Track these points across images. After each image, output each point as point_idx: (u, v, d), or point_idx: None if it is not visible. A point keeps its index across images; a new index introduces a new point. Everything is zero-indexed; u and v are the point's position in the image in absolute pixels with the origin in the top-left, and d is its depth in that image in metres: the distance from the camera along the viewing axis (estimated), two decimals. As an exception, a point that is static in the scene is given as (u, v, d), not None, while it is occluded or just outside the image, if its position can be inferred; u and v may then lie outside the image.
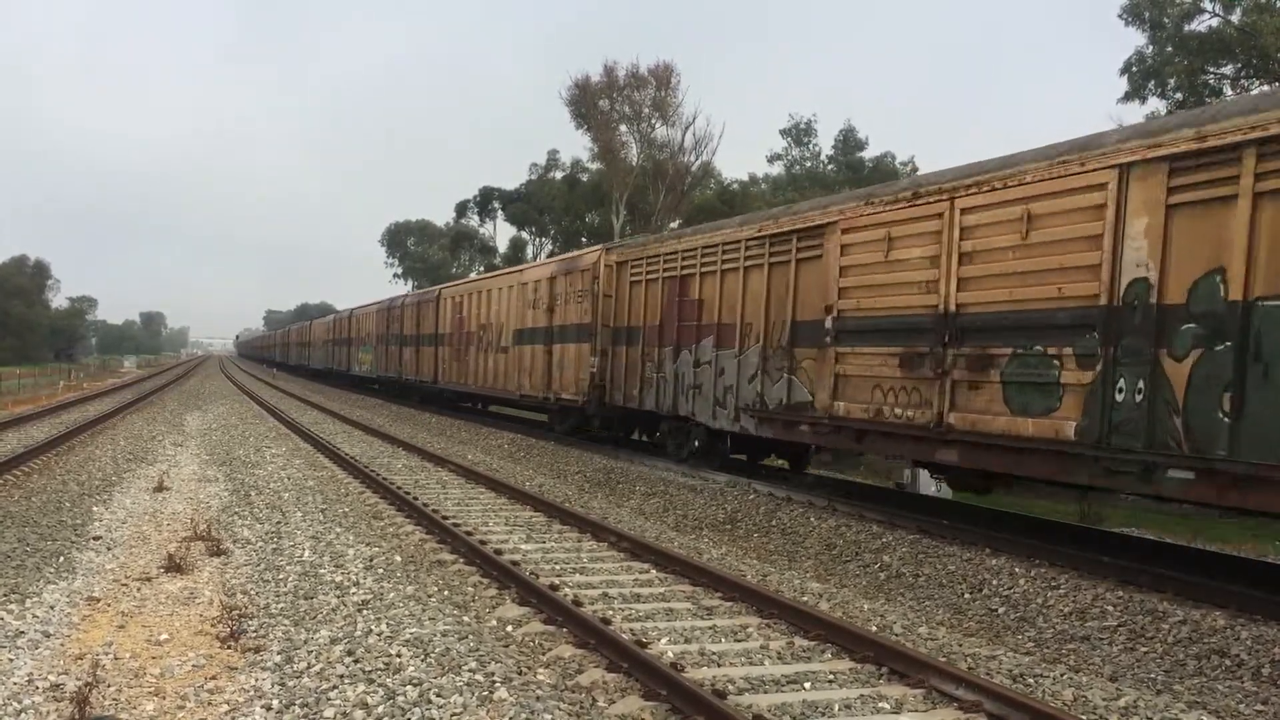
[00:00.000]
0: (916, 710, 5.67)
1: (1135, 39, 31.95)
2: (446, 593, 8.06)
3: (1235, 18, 26.07)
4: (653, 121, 48.23)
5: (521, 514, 12.05)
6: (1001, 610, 8.49)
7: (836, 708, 5.60)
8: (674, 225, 42.62)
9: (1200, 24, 26.60)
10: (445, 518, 11.08)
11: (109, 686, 5.69)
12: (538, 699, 5.47)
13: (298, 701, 5.44)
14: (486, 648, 6.39)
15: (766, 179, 53.61)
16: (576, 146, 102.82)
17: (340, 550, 9.41)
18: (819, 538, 11.19)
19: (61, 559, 8.89)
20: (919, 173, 12.45)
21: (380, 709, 5.31)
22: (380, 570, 8.61)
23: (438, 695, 5.49)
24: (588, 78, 48.44)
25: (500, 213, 65.70)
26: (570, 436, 20.58)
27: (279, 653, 6.30)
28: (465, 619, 7.20)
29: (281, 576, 8.41)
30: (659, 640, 6.75)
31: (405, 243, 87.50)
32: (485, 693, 5.52)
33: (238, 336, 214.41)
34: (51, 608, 7.27)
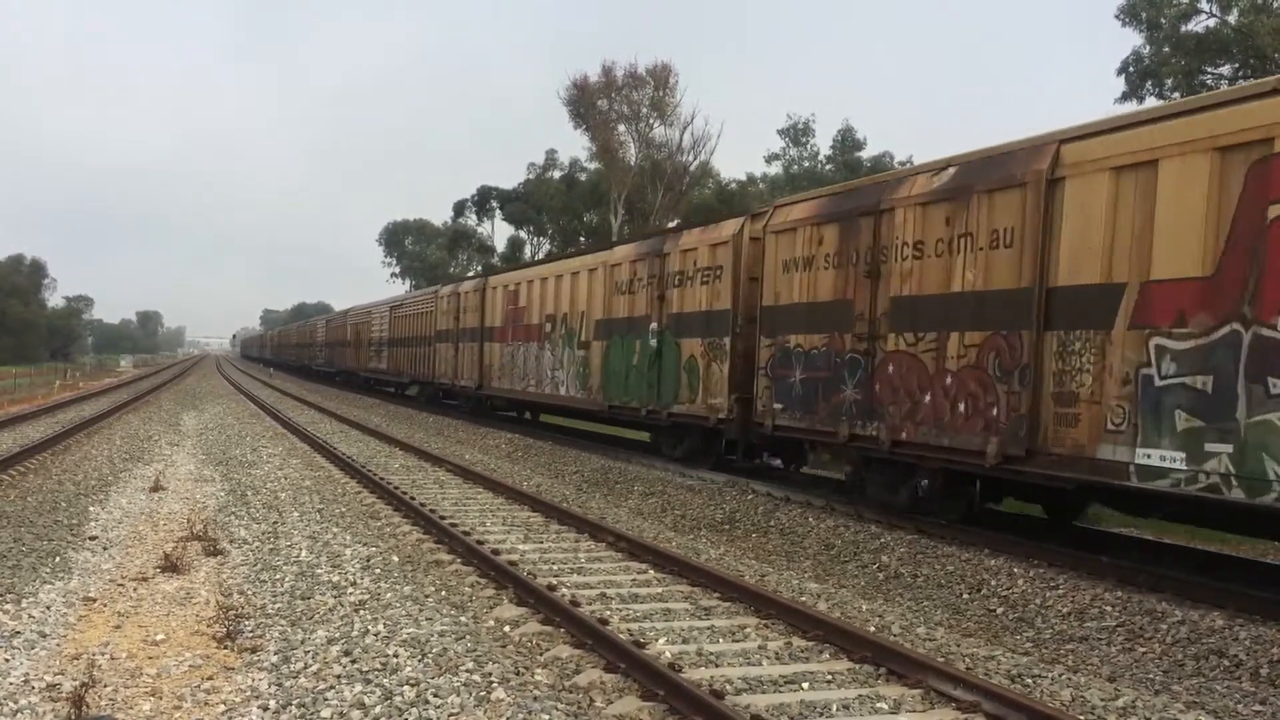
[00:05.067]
0: (915, 710, 5.66)
1: (1132, 39, 31.96)
2: (444, 593, 8.04)
3: (1232, 18, 26.10)
4: (651, 121, 48.22)
5: (519, 514, 12.04)
6: (1000, 610, 8.49)
7: (834, 708, 5.59)
8: (672, 224, 42.60)
9: (1197, 24, 26.64)
10: (443, 517, 11.07)
11: (105, 687, 5.67)
12: (535, 699, 5.46)
13: (294, 702, 5.42)
14: (484, 648, 6.38)
15: (765, 178, 53.62)
16: (575, 146, 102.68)
17: (337, 550, 9.39)
18: (817, 538, 11.19)
19: (58, 559, 8.87)
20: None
21: (377, 709, 5.29)
22: (377, 570, 8.59)
23: (435, 695, 5.48)
24: (586, 78, 48.41)
25: (498, 212, 65.60)
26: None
27: (276, 653, 6.29)
28: (463, 619, 7.18)
29: (278, 576, 8.39)
30: (657, 640, 6.74)
31: (403, 242, 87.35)
32: (483, 693, 5.51)
33: (235, 335, 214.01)
34: (48, 608, 7.25)
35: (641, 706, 5.52)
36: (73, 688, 5.46)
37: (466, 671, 5.84)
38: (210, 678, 5.88)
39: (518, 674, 5.92)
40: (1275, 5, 25.71)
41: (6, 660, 6.04)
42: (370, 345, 40.96)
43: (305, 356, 64.54)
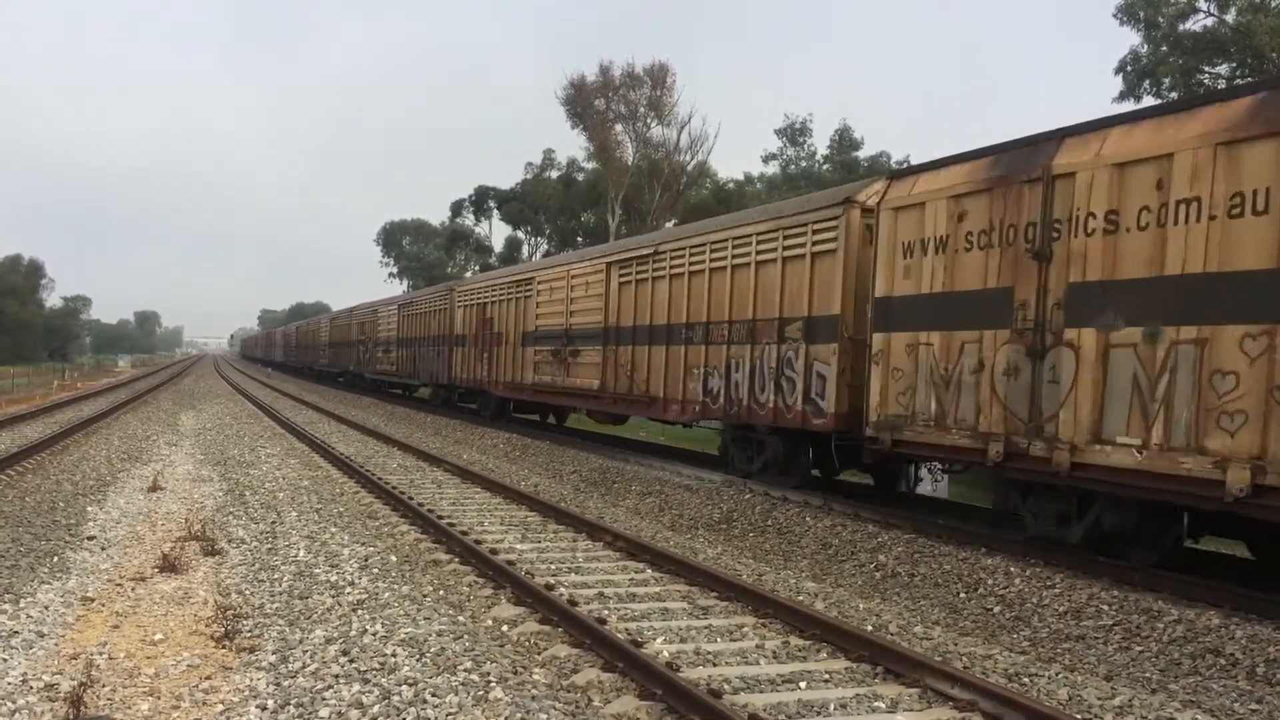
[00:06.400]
0: (912, 709, 5.68)
1: (1130, 38, 32.01)
2: (442, 592, 8.05)
3: (1230, 17, 26.13)
4: (648, 121, 48.26)
5: (517, 513, 12.05)
6: (997, 609, 8.50)
7: (832, 707, 5.61)
8: (670, 224, 42.63)
9: (1195, 23, 26.66)
10: (440, 517, 11.07)
11: (103, 686, 5.68)
12: (533, 699, 5.46)
13: (293, 701, 5.43)
14: (482, 647, 6.39)
15: (762, 178, 53.65)
16: (572, 146, 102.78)
17: (335, 550, 9.40)
18: (815, 537, 11.20)
19: (56, 559, 8.87)
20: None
21: (375, 709, 5.30)
22: (375, 570, 8.60)
23: (433, 695, 5.49)
24: (583, 77, 48.46)
25: (496, 212, 65.64)
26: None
27: (274, 653, 6.29)
28: (461, 619, 7.19)
29: (276, 576, 8.40)
30: (655, 640, 6.75)
31: (400, 242, 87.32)
32: (481, 692, 5.51)
33: (233, 335, 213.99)
34: (46, 608, 7.26)
35: (639, 706, 5.53)
36: (71, 687, 5.47)
37: (465, 671, 5.85)
38: (208, 677, 5.89)
39: (516, 673, 5.93)
40: (1274, 4, 25.74)
41: (4, 660, 6.05)
42: (556, 340, 20.39)
43: (348, 359, 45.31)
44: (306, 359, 60.68)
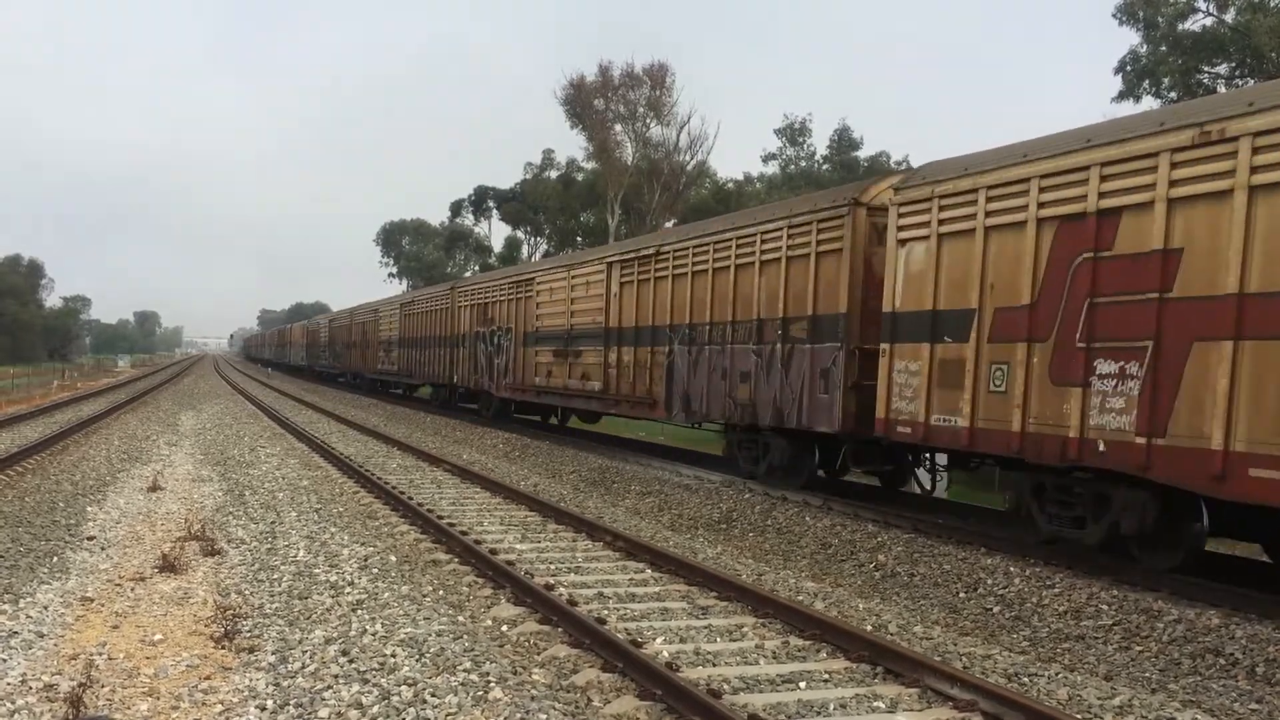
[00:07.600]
0: (912, 709, 5.68)
1: (1129, 37, 31.99)
2: (441, 592, 8.05)
3: (1229, 17, 26.13)
4: (648, 121, 48.28)
5: (517, 513, 12.04)
6: (996, 609, 8.50)
7: (832, 707, 5.61)
8: (670, 224, 42.65)
9: (1194, 23, 26.66)
10: (440, 517, 11.07)
11: (103, 687, 5.67)
12: (533, 699, 5.46)
13: (292, 702, 5.43)
14: (481, 647, 6.39)
15: (761, 178, 53.67)
16: (572, 146, 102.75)
17: (335, 550, 9.40)
18: (814, 537, 11.20)
19: (55, 559, 8.87)
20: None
21: (375, 709, 5.30)
22: (375, 570, 8.59)
23: (432, 695, 5.49)
24: (583, 78, 48.50)
25: (495, 212, 65.68)
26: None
27: (273, 653, 6.29)
28: (460, 619, 7.19)
29: (276, 576, 8.40)
30: (654, 640, 6.75)
31: (400, 242, 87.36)
32: (480, 693, 5.51)
33: (232, 335, 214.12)
34: (45, 608, 7.25)
35: (639, 706, 5.53)
36: (70, 688, 5.46)
37: (464, 671, 5.85)
38: (208, 678, 5.88)
39: (515, 673, 5.93)
40: (1273, 4, 25.73)
41: (4, 660, 6.04)
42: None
43: (434, 365, 29.62)
44: (349, 363, 45.22)
